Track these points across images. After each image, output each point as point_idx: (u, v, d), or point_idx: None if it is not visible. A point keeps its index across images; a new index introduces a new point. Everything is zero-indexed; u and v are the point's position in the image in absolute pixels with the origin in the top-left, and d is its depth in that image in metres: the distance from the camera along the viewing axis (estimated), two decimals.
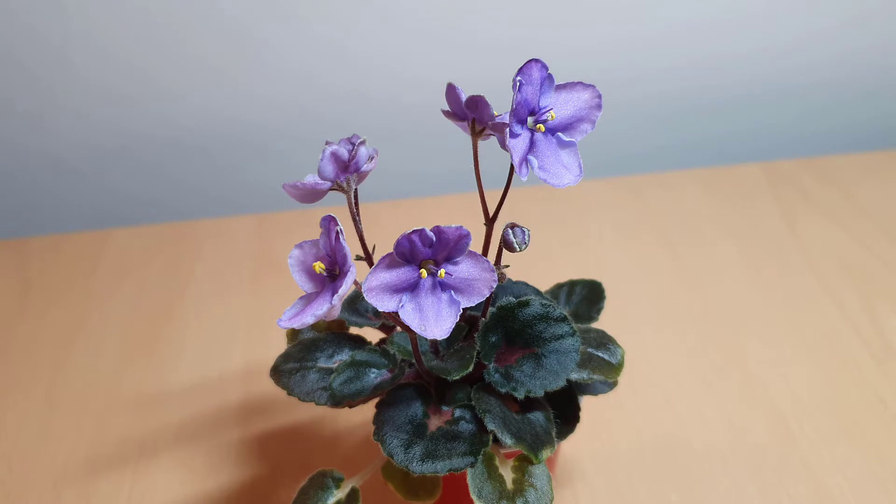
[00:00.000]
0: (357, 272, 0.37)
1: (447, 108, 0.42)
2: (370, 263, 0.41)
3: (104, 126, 0.89)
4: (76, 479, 0.59)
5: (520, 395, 0.42)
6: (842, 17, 0.90)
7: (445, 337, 0.38)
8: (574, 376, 0.44)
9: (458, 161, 0.86)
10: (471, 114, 0.40)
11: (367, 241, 0.42)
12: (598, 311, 0.51)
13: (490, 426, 0.41)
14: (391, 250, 0.38)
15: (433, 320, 0.38)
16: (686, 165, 0.99)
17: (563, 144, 0.39)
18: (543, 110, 0.39)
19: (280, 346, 0.58)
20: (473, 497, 0.40)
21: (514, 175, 0.39)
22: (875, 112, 0.99)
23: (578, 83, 0.39)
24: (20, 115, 0.88)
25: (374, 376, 0.44)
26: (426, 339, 0.41)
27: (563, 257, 0.78)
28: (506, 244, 0.41)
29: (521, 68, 0.38)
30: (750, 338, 0.68)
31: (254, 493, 0.58)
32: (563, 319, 0.43)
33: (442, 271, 0.38)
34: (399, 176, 0.96)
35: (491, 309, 0.45)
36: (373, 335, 0.52)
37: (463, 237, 0.38)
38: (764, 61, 0.92)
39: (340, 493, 0.45)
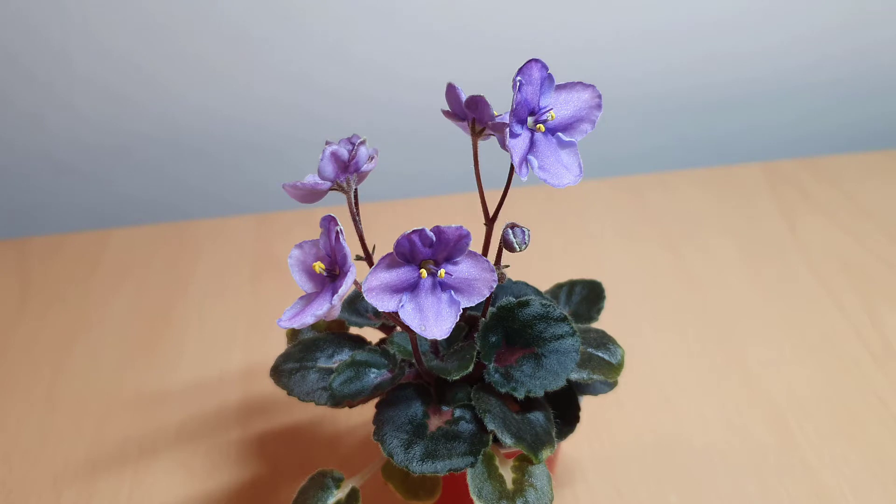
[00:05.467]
0: (357, 272, 0.37)
1: (447, 108, 0.42)
2: (370, 263, 0.41)
3: (104, 126, 0.89)
4: (76, 479, 0.59)
5: (520, 395, 0.42)
6: (842, 17, 0.90)
7: (445, 337, 0.38)
8: (574, 376, 0.44)
9: (458, 161, 0.86)
10: (471, 114, 0.40)
11: (367, 241, 0.42)
12: (598, 311, 0.51)
13: (490, 426, 0.41)
14: (391, 250, 0.38)
15: (433, 320, 0.38)
16: (686, 165, 0.99)
17: (563, 144, 0.39)
18: (543, 110, 0.39)
19: (280, 346, 0.58)
20: (473, 497, 0.40)
21: (514, 175, 0.39)
22: (875, 112, 0.99)
23: (578, 83, 0.39)
24: (20, 115, 0.88)
25: (374, 376, 0.44)
26: (426, 339, 0.41)
27: (563, 257, 0.78)
28: (506, 244, 0.41)
29: (521, 68, 0.38)
30: (750, 338, 0.68)
31: (254, 493, 0.58)
32: (563, 319, 0.43)
33: (442, 271, 0.38)
34: (399, 176, 0.96)
35: (491, 309, 0.45)
36: (373, 335, 0.52)
37: (463, 237, 0.38)
38: (764, 61, 0.92)
39: (340, 493, 0.45)
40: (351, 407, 0.45)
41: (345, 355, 0.47)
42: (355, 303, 0.52)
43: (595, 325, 0.50)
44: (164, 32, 0.83)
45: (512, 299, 0.44)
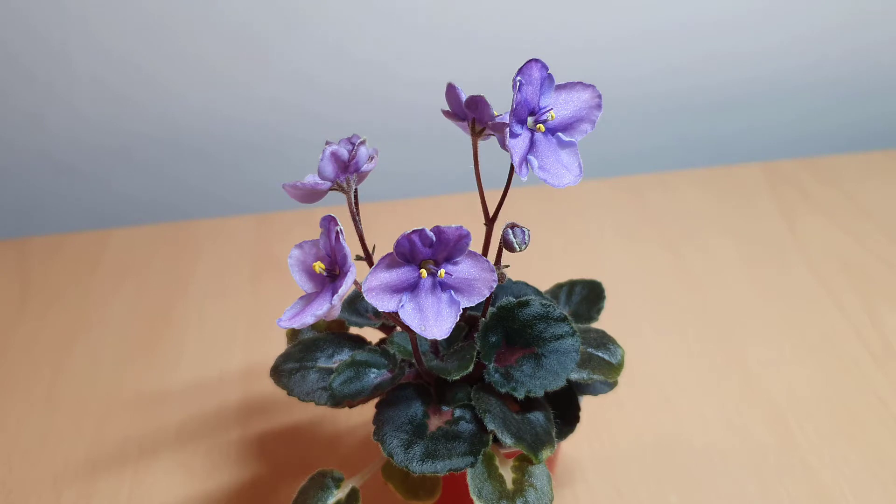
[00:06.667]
0: (357, 272, 0.37)
1: (447, 108, 0.42)
2: (370, 263, 0.41)
3: (104, 126, 0.89)
4: (76, 479, 0.59)
5: (520, 395, 0.42)
6: (842, 17, 0.90)
7: (445, 337, 0.38)
8: (574, 376, 0.44)
9: (458, 161, 0.86)
10: (471, 114, 0.40)
11: (367, 241, 0.42)
12: (598, 311, 0.51)
13: (490, 426, 0.41)
14: (391, 250, 0.38)
15: (433, 320, 0.38)
16: (686, 165, 0.99)
17: (563, 144, 0.39)
18: (543, 110, 0.39)
19: (280, 346, 0.58)
20: (473, 497, 0.40)
21: (514, 175, 0.39)
22: (875, 112, 0.99)
23: (578, 83, 0.39)
24: (20, 115, 0.88)
25: (374, 376, 0.44)
26: (426, 339, 0.41)
27: (563, 257, 0.78)
28: (506, 244, 0.41)
29: (521, 68, 0.38)
30: (750, 338, 0.68)
31: (254, 493, 0.58)
32: (563, 319, 0.43)
33: (442, 271, 0.38)
34: (399, 176, 0.96)
35: (491, 309, 0.45)
36: (373, 335, 0.52)
37: (463, 237, 0.38)
38: (764, 61, 0.92)
39: (340, 493, 0.45)
40: (351, 407, 0.45)
41: (345, 355, 0.47)
42: (355, 303, 0.52)
43: (595, 325, 0.50)
44: (164, 32, 0.83)
45: (512, 299, 0.44)
